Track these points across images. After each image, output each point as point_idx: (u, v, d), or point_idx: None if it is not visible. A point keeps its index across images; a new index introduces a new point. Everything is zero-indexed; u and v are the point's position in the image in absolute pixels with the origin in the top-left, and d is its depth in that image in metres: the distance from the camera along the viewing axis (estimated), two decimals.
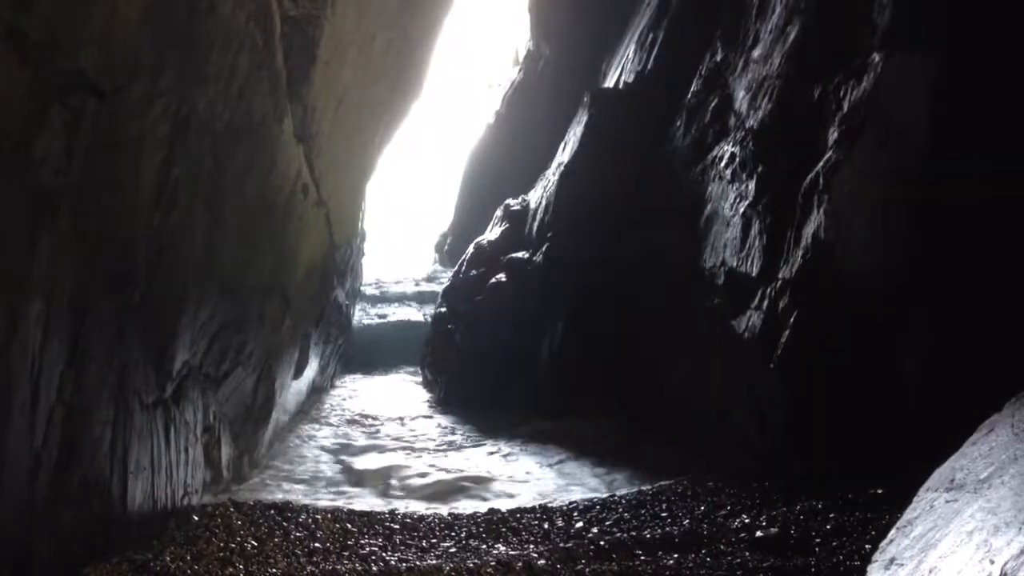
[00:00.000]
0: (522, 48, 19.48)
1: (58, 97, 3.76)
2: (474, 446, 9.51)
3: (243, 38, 5.82)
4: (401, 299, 18.27)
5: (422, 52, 13.24)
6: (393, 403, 12.01)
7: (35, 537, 3.97)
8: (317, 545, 5.63)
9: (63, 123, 3.81)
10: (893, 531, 3.87)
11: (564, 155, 12.37)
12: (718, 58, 9.68)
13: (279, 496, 7.04)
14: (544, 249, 11.54)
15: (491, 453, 9.17)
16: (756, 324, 7.41)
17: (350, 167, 11.13)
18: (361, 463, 8.60)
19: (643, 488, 7.18)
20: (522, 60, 19.24)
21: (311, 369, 10.90)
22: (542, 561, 5.25)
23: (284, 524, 5.99)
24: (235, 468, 7.35)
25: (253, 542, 5.48)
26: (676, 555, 5.41)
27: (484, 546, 5.82)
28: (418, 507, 7.04)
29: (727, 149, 8.73)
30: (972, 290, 6.12)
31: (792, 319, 7.03)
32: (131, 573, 4.56)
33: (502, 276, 11.93)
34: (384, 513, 6.61)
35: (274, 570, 5.05)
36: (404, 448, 9.37)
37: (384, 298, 18.26)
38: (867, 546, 4.98)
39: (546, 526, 6.31)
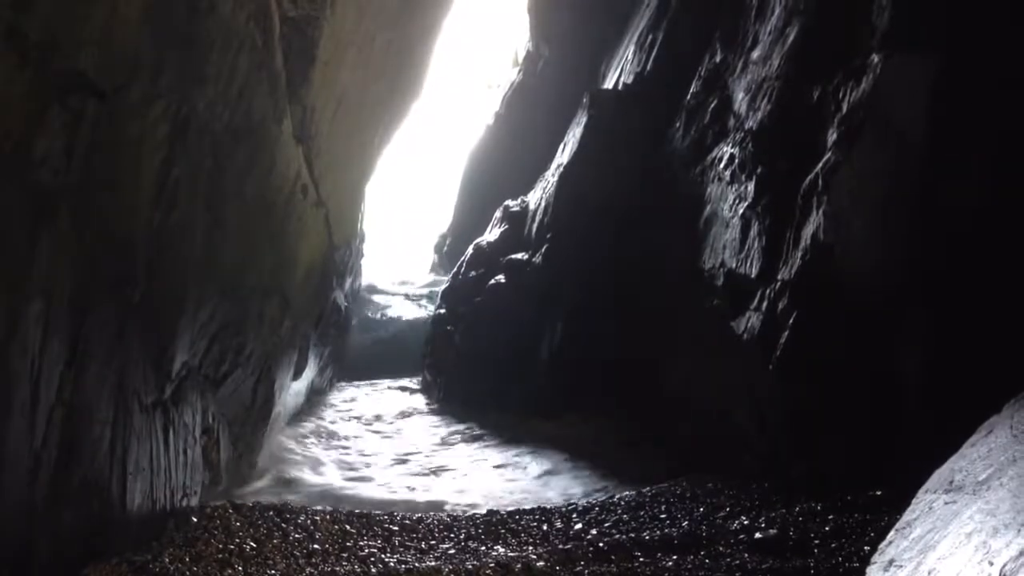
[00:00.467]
0: (521, 49, 19.45)
1: (58, 97, 3.76)
2: (473, 446, 9.51)
3: (243, 38, 5.83)
4: (401, 299, 18.26)
5: (422, 52, 13.25)
6: (393, 403, 12.02)
7: (35, 537, 3.97)
8: (316, 547, 5.63)
9: (63, 123, 3.81)
10: (892, 533, 3.86)
11: (563, 156, 12.38)
12: (717, 59, 9.69)
13: (278, 497, 7.03)
14: (543, 250, 11.55)
15: (490, 452, 9.17)
16: (755, 325, 7.41)
17: (349, 168, 11.13)
18: (361, 463, 8.60)
19: (642, 489, 7.18)
20: (521, 61, 19.21)
21: (310, 370, 10.90)
22: (541, 563, 5.25)
23: (283, 525, 5.98)
24: (234, 469, 7.34)
25: (252, 543, 5.47)
26: (675, 557, 5.41)
27: (483, 548, 5.82)
28: (417, 507, 7.04)
29: (726, 150, 8.73)
30: (971, 291, 6.12)
31: (791, 320, 7.03)
32: (130, 574, 4.56)
33: (501, 277, 11.94)
34: (383, 514, 6.61)
35: (273, 572, 5.05)
36: (404, 448, 9.38)
37: (384, 299, 18.23)
38: (866, 548, 4.99)
39: (545, 527, 6.31)
